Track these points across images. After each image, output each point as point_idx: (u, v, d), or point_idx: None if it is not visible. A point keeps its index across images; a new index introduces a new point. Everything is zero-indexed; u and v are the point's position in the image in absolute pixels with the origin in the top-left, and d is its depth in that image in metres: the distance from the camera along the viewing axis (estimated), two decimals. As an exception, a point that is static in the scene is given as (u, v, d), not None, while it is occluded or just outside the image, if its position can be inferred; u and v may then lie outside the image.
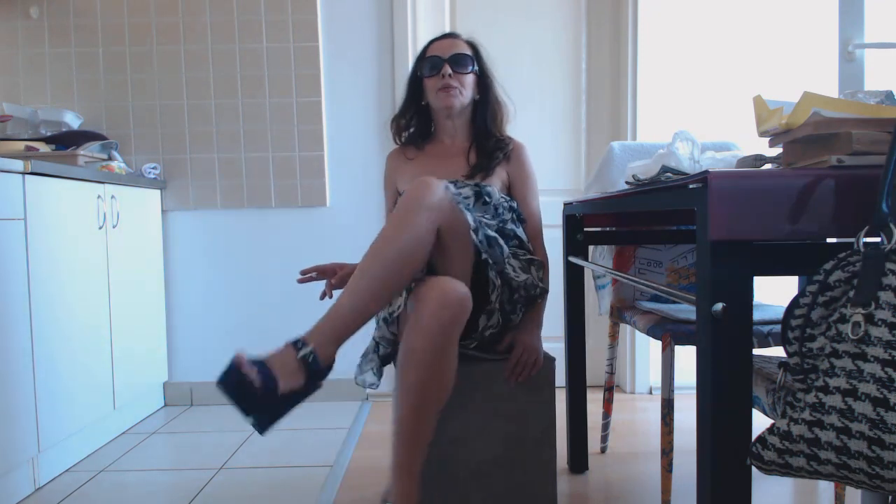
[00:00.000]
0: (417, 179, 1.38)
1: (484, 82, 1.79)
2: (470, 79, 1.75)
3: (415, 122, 1.83)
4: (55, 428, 1.93)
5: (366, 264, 1.29)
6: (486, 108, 1.80)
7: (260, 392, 1.16)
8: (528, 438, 1.51)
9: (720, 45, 2.66)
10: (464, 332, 1.40)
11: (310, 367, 1.20)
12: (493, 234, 1.48)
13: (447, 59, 1.72)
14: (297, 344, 1.22)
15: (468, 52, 1.76)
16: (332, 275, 1.63)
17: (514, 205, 1.70)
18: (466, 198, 1.61)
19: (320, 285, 1.70)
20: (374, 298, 1.27)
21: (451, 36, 1.80)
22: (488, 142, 1.78)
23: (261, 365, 1.18)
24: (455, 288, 1.31)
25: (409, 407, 1.31)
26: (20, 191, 1.80)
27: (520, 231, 1.68)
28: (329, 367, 1.26)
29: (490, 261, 1.44)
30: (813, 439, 0.74)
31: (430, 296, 1.30)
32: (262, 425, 1.19)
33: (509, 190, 1.78)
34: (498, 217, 1.61)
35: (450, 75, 1.70)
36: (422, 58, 1.78)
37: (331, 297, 1.60)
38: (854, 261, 0.78)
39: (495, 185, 1.71)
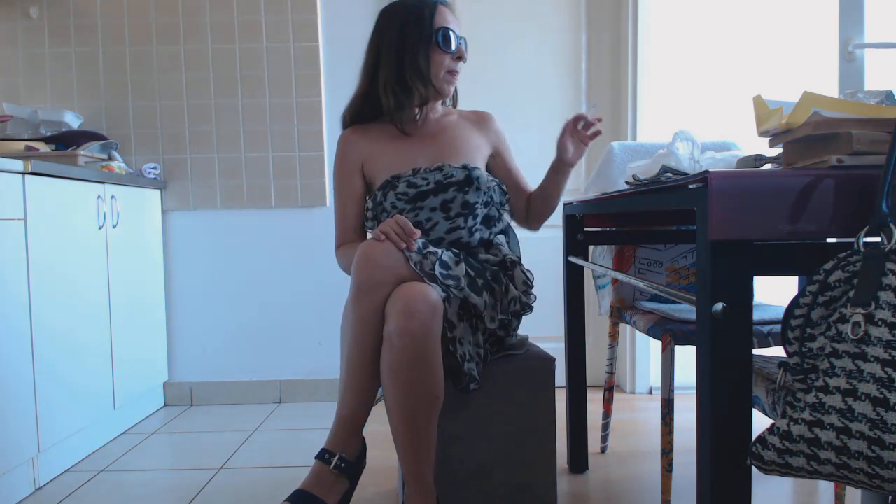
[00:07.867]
0: (365, 247, 1.30)
1: None
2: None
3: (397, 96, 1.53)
4: (55, 428, 1.93)
5: (347, 354, 1.32)
6: None
7: None
8: (528, 438, 1.51)
9: (720, 46, 2.66)
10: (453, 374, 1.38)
11: (346, 470, 1.27)
12: (451, 264, 1.37)
13: (462, 40, 1.53)
14: (324, 457, 1.27)
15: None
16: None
17: (499, 183, 1.60)
18: (455, 181, 1.49)
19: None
20: (368, 381, 1.31)
21: (449, 6, 1.56)
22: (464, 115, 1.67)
23: (304, 498, 1.24)
24: (419, 292, 1.26)
25: (401, 420, 1.28)
26: (20, 191, 1.80)
27: (505, 217, 1.64)
28: (363, 454, 1.33)
29: (456, 294, 1.36)
30: (813, 439, 0.74)
31: (396, 310, 1.25)
32: None
33: (492, 159, 1.67)
34: (489, 205, 1.55)
35: (461, 59, 1.53)
36: (429, 23, 1.50)
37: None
38: (854, 261, 0.78)
39: (480, 157, 1.61)
